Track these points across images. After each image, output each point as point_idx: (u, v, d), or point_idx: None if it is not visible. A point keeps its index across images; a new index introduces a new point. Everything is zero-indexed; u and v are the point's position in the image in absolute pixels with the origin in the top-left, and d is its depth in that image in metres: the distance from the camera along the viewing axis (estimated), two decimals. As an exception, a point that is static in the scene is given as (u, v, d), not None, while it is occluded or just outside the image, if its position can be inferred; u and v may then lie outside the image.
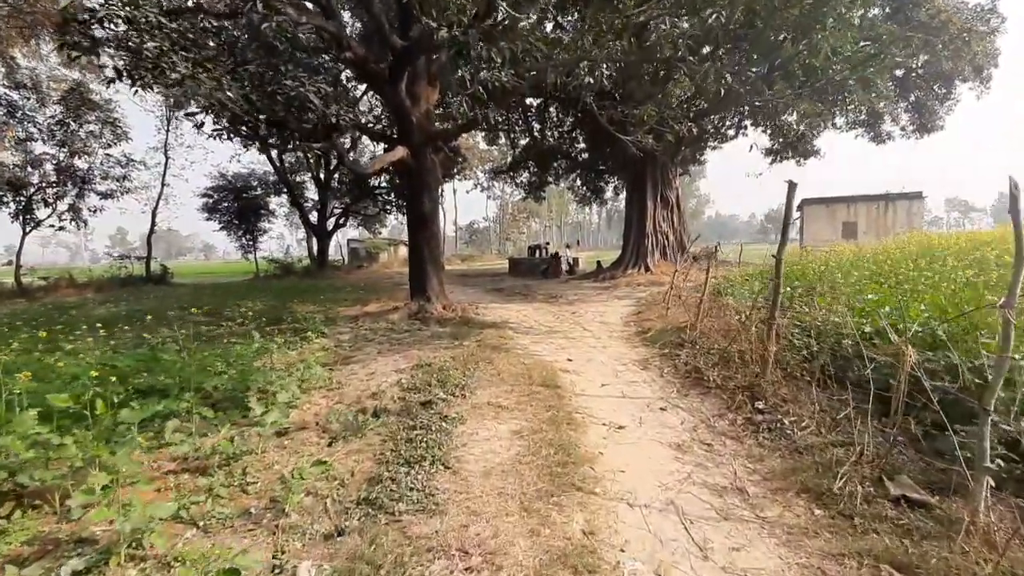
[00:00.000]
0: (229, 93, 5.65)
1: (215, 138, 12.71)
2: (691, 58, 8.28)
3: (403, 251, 47.87)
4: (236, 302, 14.68)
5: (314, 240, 30.56)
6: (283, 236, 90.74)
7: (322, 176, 28.69)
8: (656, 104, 9.95)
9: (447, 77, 9.87)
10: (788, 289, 7.39)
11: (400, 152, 10.24)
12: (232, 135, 8.91)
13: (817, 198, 26.78)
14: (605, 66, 8.11)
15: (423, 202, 10.67)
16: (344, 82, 9.99)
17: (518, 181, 30.11)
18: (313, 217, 29.70)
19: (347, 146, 26.38)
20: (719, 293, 12.16)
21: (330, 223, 30.18)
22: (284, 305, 14.27)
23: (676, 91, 9.96)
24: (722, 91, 9.27)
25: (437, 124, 12.45)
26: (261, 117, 7.52)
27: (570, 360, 6.97)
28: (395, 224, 69.57)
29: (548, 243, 28.83)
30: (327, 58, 8.53)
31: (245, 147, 28.61)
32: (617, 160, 25.54)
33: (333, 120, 7.31)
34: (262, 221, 29.87)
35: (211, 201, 28.53)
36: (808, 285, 7.70)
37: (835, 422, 3.89)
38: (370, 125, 17.01)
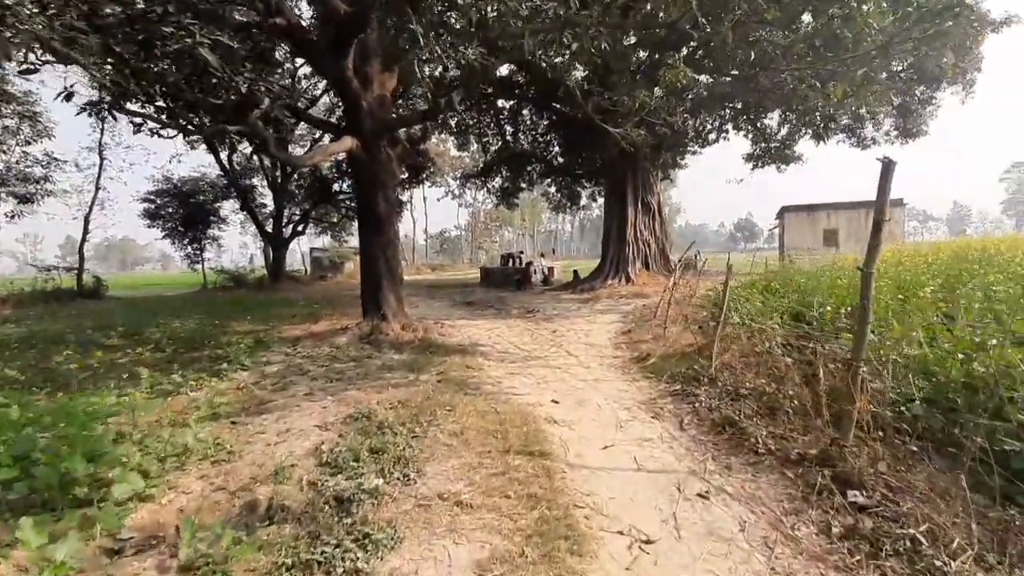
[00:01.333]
0: (81, 41, 3.95)
1: (145, 132, 10.66)
2: (703, 20, 6.87)
3: (370, 260, 45.72)
4: (165, 320, 12.69)
5: (270, 249, 28.28)
6: (247, 245, 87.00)
7: (277, 179, 26.53)
8: (649, 90, 8.56)
9: (401, 49, 8.24)
10: (823, 308, 5.98)
11: (347, 143, 8.53)
12: (136, 121, 7.04)
13: (797, 205, 26.11)
14: (593, 36, 6.61)
15: (377, 203, 8.96)
16: (267, 45, 8.19)
17: (490, 187, 28.58)
18: (269, 224, 27.45)
19: (286, 135, 24.35)
20: (718, 306, 10.81)
21: (288, 231, 27.97)
22: (220, 323, 12.36)
23: (668, 77, 8.58)
24: (732, 68, 7.92)
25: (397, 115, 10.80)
26: (156, 89, 5.74)
27: (556, 402, 5.36)
28: (363, 232, 67.26)
29: (522, 252, 27.34)
30: (239, 7, 6.76)
31: (191, 146, 26.37)
32: (595, 164, 24.31)
33: (244, 90, 5.62)
34: (211, 228, 27.44)
35: (153, 206, 26.01)
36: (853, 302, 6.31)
37: (1000, 537, 2.39)
38: (323, 117, 15.14)
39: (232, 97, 5.49)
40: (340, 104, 11.40)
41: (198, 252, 27.25)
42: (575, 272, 25.83)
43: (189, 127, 7.29)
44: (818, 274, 9.70)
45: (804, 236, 25.70)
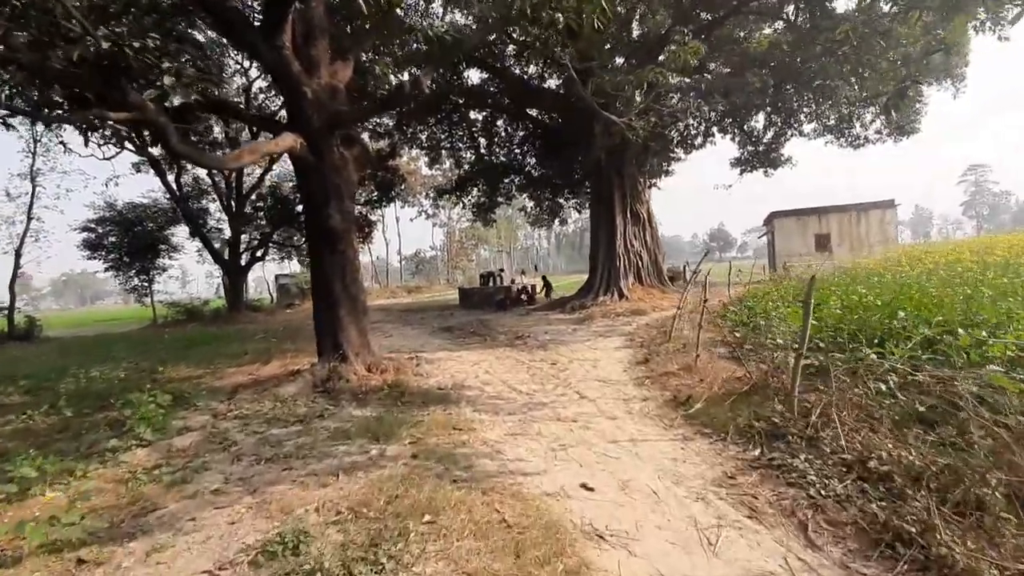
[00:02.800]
0: None
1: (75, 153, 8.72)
2: None
3: (340, 285, 43.36)
4: (87, 368, 10.58)
5: (227, 278, 25.94)
6: (212, 274, 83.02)
7: (232, 201, 24.37)
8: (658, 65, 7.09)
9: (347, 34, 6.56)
10: (934, 332, 4.42)
11: (288, 141, 6.74)
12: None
13: (787, 210, 25.19)
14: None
15: (329, 215, 7.15)
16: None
17: (465, 202, 26.96)
18: (228, 252, 25.18)
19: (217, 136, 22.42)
20: (745, 324, 9.27)
21: (247, 257, 25.72)
22: (152, 368, 10.35)
23: (679, 55, 7.11)
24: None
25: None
26: None
27: (589, 489, 3.60)
28: (334, 256, 64.69)
29: (502, 270, 25.67)
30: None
31: (136, 168, 24.09)
32: (576, 174, 22.96)
33: (113, 51, 3.86)
34: (160, 258, 25.04)
35: (94, 236, 23.54)
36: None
37: None
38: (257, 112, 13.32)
39: (92, 65, 3.73)
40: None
41: (146, 284, 24.76)
42: (547, 286, 24.11)
43: (55, 112, 5.39)
44: (881, 279, 8.24)
45: (795, 242, 24.74)
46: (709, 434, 4.49)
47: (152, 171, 22.49)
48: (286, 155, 7.12)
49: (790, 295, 9.57)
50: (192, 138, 18.26)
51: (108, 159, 20.47)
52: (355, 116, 7.28)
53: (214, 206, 26.19)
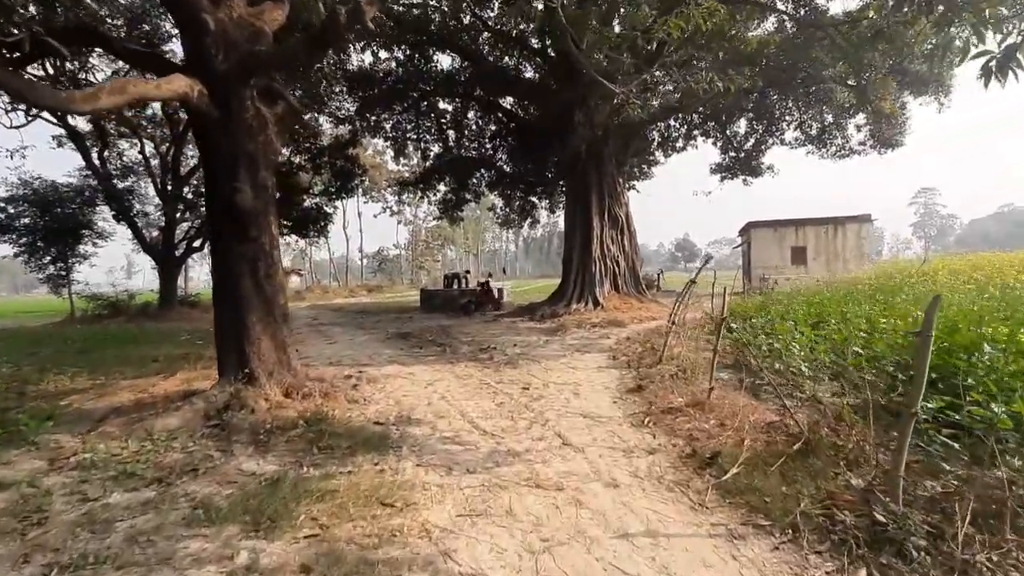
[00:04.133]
0: None
1: None
2: None
3: (293, 281, 40.73)
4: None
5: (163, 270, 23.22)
6: (191, 266, 77.41)
7: (168, 183, 21.80)
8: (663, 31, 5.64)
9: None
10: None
11: (179, 85, 4.92)
12: None
13: (764, 221, 24.47)
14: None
15: (237, 189, 5.35)
16: None
17: (431, 198, 25.18)
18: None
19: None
20: (750, 344, 7.91)
21: (183, 247, 23.12)
22: (30, 379, 8.32)
23: (696, 16, 5.65)
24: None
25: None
26: None
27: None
28: (306, 248, 61.48)
29: (468, 272, 24.01)
30: None
31: (58, 143, 21.19)
32: (550, 173, 21.55)
33: None
34: (83, 244, 22.16)
35: (3, 217, 20.54)
36: None
37: None
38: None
39: None
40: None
41: (62, 273, 21.83)
42: (498, 290, 22.13)
43: None
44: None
45: (771, 253, 24.05)
46: (767, 527, 2.98)
47: (72, 145, 19.80)
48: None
49: (800, 312, 8.30)
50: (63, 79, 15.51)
51: (16, 128, 17.77)
52: (276, 59, 5.50)
53: (152, 189, 23.48)
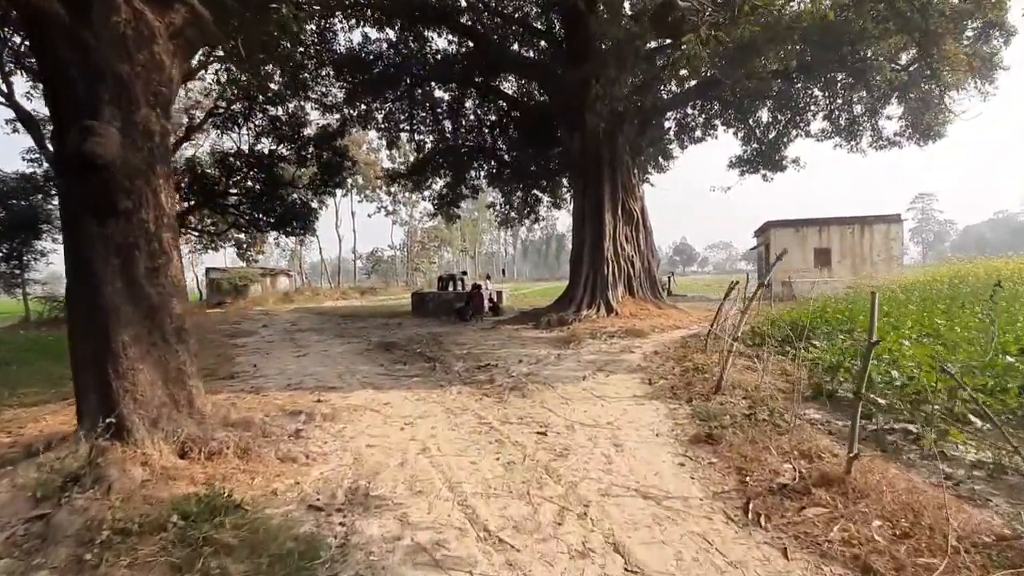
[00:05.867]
0: None
1: None
2: None
3: (281, 283, 38.67)
4: None
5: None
6: None
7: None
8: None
9: None
10: None
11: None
12: None
13: (785, 220, 22.56)
14: None
15: (92, 129, 3.37)
16: None
17: (426, 193, 23.22)
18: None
19: None
20: (842, 368, 5.95)
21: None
22: None
23: None
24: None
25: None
26: None
27: None
28: (291, 249, 59.35)
29: (464, 273, 22.05)
30: None
31: (13, 127, 19.13)
32: (554, 164, 19.63)
33: None
34: (41, 239, 20.12)
35: (-51, 209, 18.52)
36: None
37: None
38: None
39: None
40: None
41: (16, 273, 19.76)
42: (497, 293, 19.95)
43: None
44: None
45: (792, 256, 22.11)
46: None
47: (23, 128, 17.74)
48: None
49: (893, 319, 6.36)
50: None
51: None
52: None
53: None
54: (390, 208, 58.10)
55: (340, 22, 17.05)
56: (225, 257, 43.66)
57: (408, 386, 7.15)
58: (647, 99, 13.49)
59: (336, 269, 59.64)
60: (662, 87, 14.86)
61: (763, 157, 19.91)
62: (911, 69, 14.24)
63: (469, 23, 17.13)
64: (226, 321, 19.23)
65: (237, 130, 20.70)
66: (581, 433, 4.84)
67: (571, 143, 15.50)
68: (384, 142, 23.29)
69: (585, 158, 15.12)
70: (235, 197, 21.26)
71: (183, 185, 20.46)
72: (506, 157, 20.15)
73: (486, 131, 21.37)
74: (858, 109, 18.72)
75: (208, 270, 35.37)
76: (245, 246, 30.74)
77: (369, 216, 64.75)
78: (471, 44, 18.17)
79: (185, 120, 21.53)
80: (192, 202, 20.51)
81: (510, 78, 19.23)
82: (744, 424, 4.65)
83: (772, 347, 8.00)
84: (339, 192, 52.65)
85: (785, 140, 20.17)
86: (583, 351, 9.92)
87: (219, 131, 20.92)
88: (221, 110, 20.50)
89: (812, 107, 19.31)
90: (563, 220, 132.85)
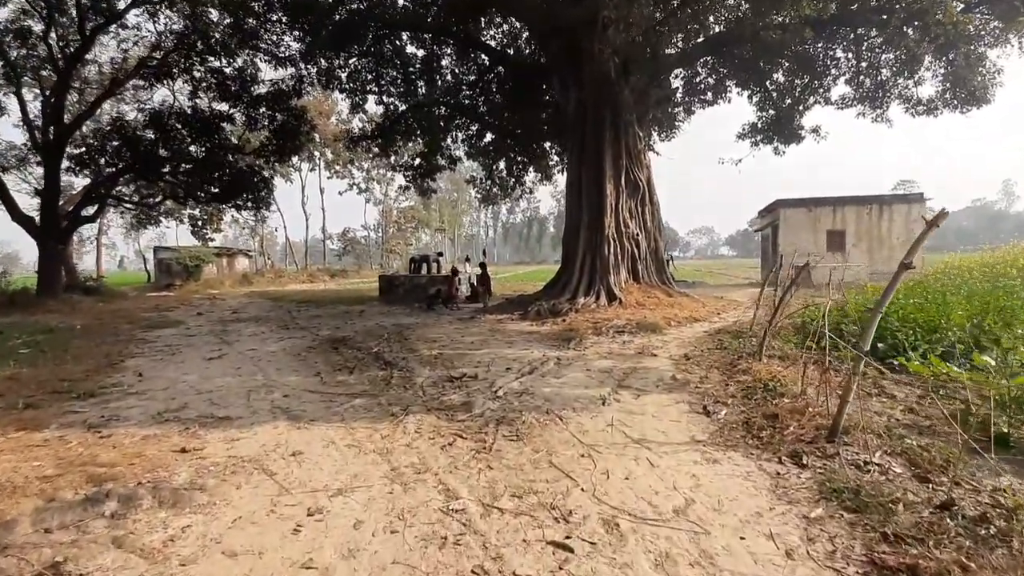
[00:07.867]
0: None
1: None
2: None
3: (240, 264, 35.52)
4: None
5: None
6: (115, 245, 69.59)
7: (49, 134, 16.58)
8: None
9: None
10: None
11: None
12: None
13: (796, 199, 20.55)
14: None
15: None
16: None
17: (397, 160, 20.47)
18: (34, 204, 17.38)
19: None
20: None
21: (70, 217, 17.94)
22: None
23: None
24: None
25: None
26: None
27: None
28: (248, 227, 55.65)
29: (441, 254, 19.52)
30: None
31: None
32: (546, 126, 17.14)
33: None
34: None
35: None
36: None
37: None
38: None
39: None
40: None
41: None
42: (479, 278, 17.02)
43: None
44: None
45: (803, 238, 20.19)
46: None
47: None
48: None
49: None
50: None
51: None
52: None
53: (20, 137, 18.22)
54: (363, 186, 54.75)
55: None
56: (177, 235, 40.14)
57: (343, 415, 4.74)
58: (661, 43, 11.10)
59: (305, 250, 56.25)
60: (677, 34, 12.43)
61: (777, 126, 17.75)
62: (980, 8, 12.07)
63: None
64: (160, 307, 16.40)
65: (171, 83, 17.64)
66: (635, 543, 2.52)
67: (567, 100, 13.03)
68: (348, 104, 20.40)
69: (583, 118, 12.66)
70: (171, 164, 18.24)
71: (108, 148, 17.40)
72: (488, 118, 17.55)
73: (465, 89, 18.73)
74: (885, 73, 16.66)
75: (156, 249, 32.09)
76: (200, 223, 27.63)
77: (340, 194, 61.24)
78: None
79: (108, 71, 18.29)
80: (120, 166, 17.43)
81: (496, 21, 16.53)
82: (948, 527, 2.38)
83: (848, 353, 5.78)
84: (306, 167, 49.17)
85: (801, 108, 18.05)
86: (590, 353, 7.61)
87: (148, 84, 17.77)
88: (155, 62, 17.42)
89: (833, 70, 17.19)
90: (545, 203, 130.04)
